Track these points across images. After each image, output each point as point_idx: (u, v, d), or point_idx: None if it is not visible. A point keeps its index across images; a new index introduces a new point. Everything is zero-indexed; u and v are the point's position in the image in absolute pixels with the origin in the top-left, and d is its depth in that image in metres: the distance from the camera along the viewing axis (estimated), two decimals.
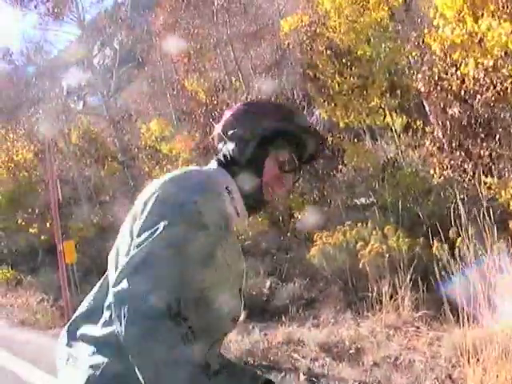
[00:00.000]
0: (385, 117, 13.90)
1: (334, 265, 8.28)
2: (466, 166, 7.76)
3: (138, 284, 1.46)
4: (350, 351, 6.01)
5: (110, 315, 1.57)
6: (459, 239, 6.14)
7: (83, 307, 1.92)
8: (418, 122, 14.18)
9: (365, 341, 6.17)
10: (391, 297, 6.67)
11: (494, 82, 7.01)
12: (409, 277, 6.63)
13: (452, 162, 7.91)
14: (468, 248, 5.71)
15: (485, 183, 7.49)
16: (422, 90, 8.43)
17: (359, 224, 8.78)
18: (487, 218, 5.60)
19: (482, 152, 7.58)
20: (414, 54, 11.27)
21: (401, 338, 6.17)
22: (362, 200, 12.79)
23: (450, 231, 6.42)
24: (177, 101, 22.23)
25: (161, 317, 1.42)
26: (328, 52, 12.81)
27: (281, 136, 1.96)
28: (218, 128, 2.10)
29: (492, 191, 7.67)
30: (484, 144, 7.58)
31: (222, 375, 1.79)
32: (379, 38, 12.66)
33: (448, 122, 7.86)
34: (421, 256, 7.27)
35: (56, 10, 23.48)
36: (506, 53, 6.76)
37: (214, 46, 21.34)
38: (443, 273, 5.91)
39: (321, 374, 5.70)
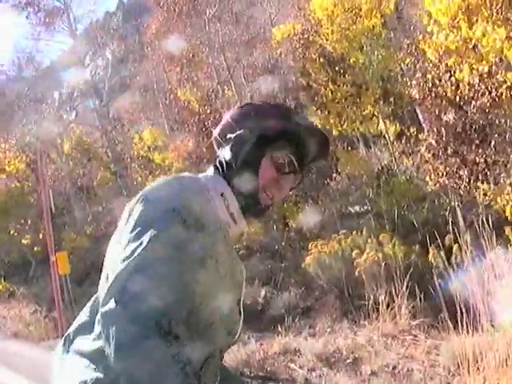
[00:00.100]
0: (378, 124, 13.91)
1: (330, 273, 8.24)
2: (461, 173, 7.72)
3: (125, 304, 1.39)
4: (348, 361, 5.96)
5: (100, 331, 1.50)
6: (456, 246, 6.11)
7: (79, 320, 1.84)
8: (411, 130, 14.19)
9: (362, 350, 6.12)
10: (388, 305, 6.62)
11: (489, 88, 6.99)
12: (405, 284, 6.58)
13: (447, 168, 7.87)
14: (465, 255, 5.67)
15: (480, 189, 7.47)
16: (417, 96, 8.41)
17: (354, 232, 8.75)
18: (483, 224, 5.56)
19: (477, 158, 7.55)
20: (407, 61, 11.24)
21: (398, 346, 6.12)
22: (357, 208, 12.79)
23: (447, 238, 6.39)
24: (169, 110, 22.17)
25: (150, 337, 1.34)
26: (321, 60, 12.82)
27: (279, 136, 1.85)
28: (215, 132, 2.01)
29: (487, 198, 7.64)
30: (479, 150, 7.55)
31: None
32: (372, 45, 12.65)
33: (443, 129, 7.83)
34: (417, 263, 7.24)
35: (48, 20, 23.43)
36: (500, 59, 6.74)
37: (207, 55, 21.31)
38: (440, 280, 5.87)
39: None
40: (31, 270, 18.16)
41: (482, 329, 5.01)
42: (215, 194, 1.81)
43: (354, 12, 12.62)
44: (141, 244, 1.48)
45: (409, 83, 9.38)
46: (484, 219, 5.56)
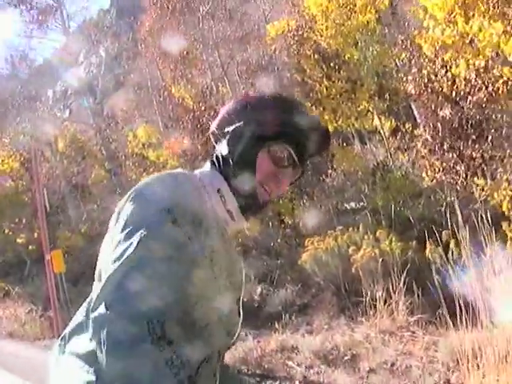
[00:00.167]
0: (373, 120, 13.90)
1: (326, 270, 8.21)
2: (458, 168, 7.70)
3: (115, 308, 1.34)
4: (346, 357, 5.94)
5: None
6: (453, 242, 6.08)
7: (75, 320, 1.79)
8: (406, 125, 14.17)
9: (360, 347, 6.10)
10: (385, 301, 6.60)
11: (486, 82, 6.97)
12: (402, 281, 6.55)
13: (444, 164, 7.85)
14: (463, 250, 5.64)
15: (477, 185, 7.46)
16: (413, 92, 8.38)
17: (350, 228, 8.72)
18: (481, 220, 5.54)
19: (473, 154, 7.53)
20: (402, 56, 11.22)
21: (396, 343, 6.10)
22: (352, 204, 12.76)
23: (444, 234, 6.37)
24: (163, 107, 22.14)
25: (142, 342, 1.30)
26: (315, 56, 12.80)
27: (277, 129, 1.77)
28: (213, 126, 1.94)
29: (484, 193, 7.62)
30: (476, 145, 7.53)
31: None
32: (367, 41, 12.63)
33: (439, 124, 7.81)
34: (414, 259, 7.22)
35: (41, 18, 23.35)
36: (497, 53, 6.71)
37: (201, 52, 21.27)
38: (438, 276, 5.85)
39: (316, 381, 5.62)
40: (26, 269, 18.07)
41: (480, 325, 4.99)
42: (212, 190, 1.75)
43: (348, 8, 12.60)
44: (131, 245, 1.43)
45: (404, 79, 9.35)
46: (481, 214, 5.54)
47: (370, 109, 13.23)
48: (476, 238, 5.63)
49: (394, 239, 7.59)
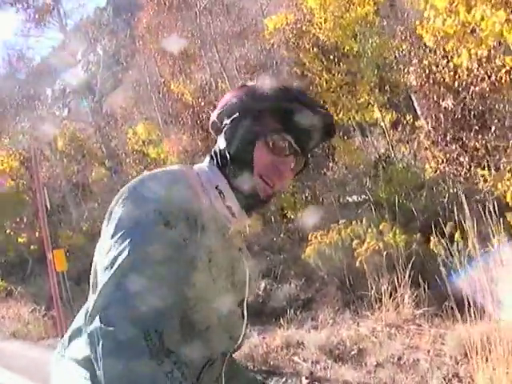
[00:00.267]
0: (374, 113, 13.87)
1: (330, 264, 8.15)
2: (461, 159, 7.65)
3: (110, 322, 1.27)
4: (352, 352, 5.88)
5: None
6: (457, 233, 6.03)
7: (74, 324, 1.74)
8: (407, 117, 14.14)
9: (366, 341, 6.05)
10: (390, 295, 6.54)
11: (488, 72, 6.91)
12: (407, 273, 6.50)
13: (447, 155, 7.80)
14: (468, 242, 5.59)
15: (481, 176, 7.41)
16: (414, 83, 8.33)
17: (353, 222, 8.66)
18: (485, 210, 5.50)
19: (477, 144, 7.48)
20: (401, 48, 11.17)
21: (403, 336, 6.05)
22: (354, 197, 12.69)
23: (448, 225, 6.31)
24: (163, 104, 22.12)
25: (141, 357, 1.23)
26: (315, 49, 12.77)
27: (277, 117, 1.67)
28: (213, 116, 1.82)
29: (487, 184, 7.57)
30: (479, 136, 7.48)
31: None
32: (366, 33, 12.57)
33: (441, 115, 7.76)
34: (418, 252, 7.17)
35: (38, 16, 23.29)
36: (499, 42, 6.65)
37: (199, 48, 21.22)
38: (442, 268, 5.80)
39: (323, 377, 5.57)
40: (28, 269, 18.07)
41: (488, 317, 4.94)
42: (210, 187, 1.67)
43: (346, 0, 12.55)
44: (122, 251, 1.36)
45: (405, 70, 9.30)
46: (487, 205, 5.49)
47: (371, 101, 13.20)
48: (481, 229, 5.58)
49: (397, 232, 7.53)
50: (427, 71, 7.96)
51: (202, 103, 15.96)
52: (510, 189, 7.18)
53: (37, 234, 16.63)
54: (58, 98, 32.58)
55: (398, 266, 6.64)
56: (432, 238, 6.59)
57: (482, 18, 6.11)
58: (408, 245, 7.25)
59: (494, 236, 5.49)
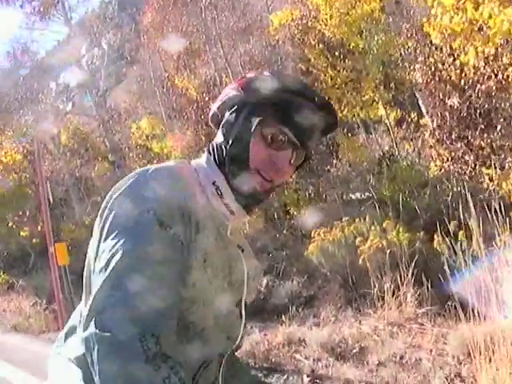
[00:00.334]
0: (378, 110, 13.84)
1: (333, 261, 8.14)
2: (466, 158, 7.62)
3: (105, 327, 1.23)
4: (354, 350, 5.86)
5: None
6: (461, 232, 6.00)
7: (70, 322, 1.70)
8: (412, 115, 14.11)
9: (368, 339, 6.03)
10: (393, 293, 6.52)
11: (495, 71, 6.87)
12: (411, 272, 6.47)
13: (452, 153, 7.77)
14: (472, 241, 5.56)
15: (486, 175, 7.38)
16: (420, 80, 8.29)
17: (357, 219, 8.64)
18: (489, 209, 5.47)
19: (482, 143, 7.44)
20: (407, 45, 11.11)
21: (405, 335, 6.02)
22: (358, 195, 12.67)
23: (452, 224, 6.28)
24: (167, 98, 22.07)
25: (137, 363, 1.20)
26: (320, 45, 12.73)
27: (273, 108, 1.58)
28: (213, 107, 1.77)
29: (492, 183, 7.54)
30: (485, 135, 7.44)
31: None
32: (371, 30, 12.53)
33: (447, 113, 7.72)
34: (422, 250, 7.14)
35: (42, 9, 23.29)
36: (506, 40, 6.60)
37: (204, 43, 21.17)
38: (446, 267, 5.78)
39: (325, 375, 5.54)
40: (30, 262, 18.13)
41: (492, 317, 4.91)
42: (207, 183, 1.62)
43: None
44: (116, 254, 1.32)
45: (411, 68, 9.26)
46: (493, 204, 5.46)
47: (376, 98, 13.16)
48: (485, 228, 5.55)
49: (401, 230, 7.50)
50: (433, 69, 7.92)
51: (207, 98, 15.93)
52: None
53: (39, 227, 16.65)
54: (61, 92, 32.64)
55: (401, 264, 6.61)
56: (436, 236, 6.56)
57: (490, 16, 6.06)
58: (411, 243, 7.23)
59: (498, 235, 5.44)
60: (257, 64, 19.81)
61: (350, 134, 15.35)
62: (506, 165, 7.54)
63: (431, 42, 7.97)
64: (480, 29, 6.55)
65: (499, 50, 6.79)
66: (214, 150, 1.68)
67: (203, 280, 1.50)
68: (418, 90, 11.46)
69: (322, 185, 13.01)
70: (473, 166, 7.61)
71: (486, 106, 7.45)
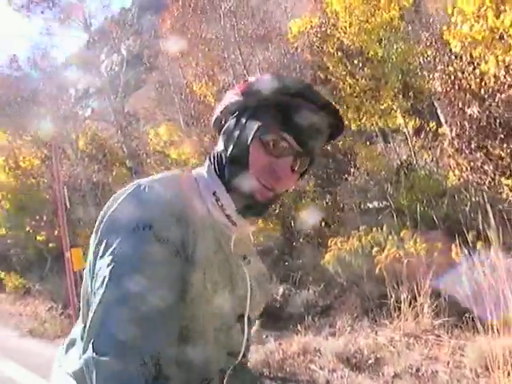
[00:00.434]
0: (397, 119, 13.79)
1: (350, 271, 8.09)
2: (486, 168, 7.53)
3: (104, 351, 1.19)
4: (370, 361, 5.80)
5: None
6: (479, 243, 5.92)
7: (72, 334, 1.67)
8: (430, 124, 14.04)
9: (384, 350, 5.97)
10: (410, 303, 6.44)
11: None
12: (427, 282, 6.40)
13: (471, 163, 7.69)
14: (492, 251, 5.49)
15: (506, 185, 7.30)
16: (439, 89, 8.21)
17: (374, 229, 8.57)
18: (509, 220, 5.40)
19: (502, 153, 7.36)
20: (426, 54, 11.05)
21: (421, 347, 5.95)
22: (375, 204, 12.60)
23: (470, 234, 6.20)
24: (185, 105, 22.11)
25: None
26: (339, 53, 12.70)
27: (273, 113, 1.51)
28: (216, 111, 1.68)
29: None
30: (504, 145, 7.35)
31: None
32: (390, 38, 12.49)
33: (466, 123, 7.64)
34: (439, 261, 7.06)
35: (62, 16, 23.46)
36: None
37: (222, 50, 21.21)
38: (463, 278, 5.70)
39: None
40: (47, 267, 18.17)
41: (511, 330, 4.83)
42: (207, 193, 1.56)
43: (372, 4, 12.46)
44: (112, 272, 1.27)
45: (430, 76, 9.20)
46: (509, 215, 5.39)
47: (394, 107, 13.11)
48: (504, 238, 5.47)
49: (418, 240, 7.43)
50: (453, 78, 7.85)
51: None
52: None
53: (56, 232, 16.70)
54: (80, 98, 32.77)
55: (418, 274, 6.54)
56: (454, 246, 6.48)
57: (511, 24, 6.01)
58: (429, 253, 7.15)
59: None
60: (275, 71, 19.81)
61: (368, 143, 15.31)
62: None
63: (451, 50, 7.90)
64: (501, 37, 6.48)
65: None
66: (214, 158, 1.62)
67: (203, 296, 1.44)
68: (437, 99, 11.38)
69: (340, 193, 12.95)
70: (492, 175, 7.52)
71: (506, 115, 7.36)
